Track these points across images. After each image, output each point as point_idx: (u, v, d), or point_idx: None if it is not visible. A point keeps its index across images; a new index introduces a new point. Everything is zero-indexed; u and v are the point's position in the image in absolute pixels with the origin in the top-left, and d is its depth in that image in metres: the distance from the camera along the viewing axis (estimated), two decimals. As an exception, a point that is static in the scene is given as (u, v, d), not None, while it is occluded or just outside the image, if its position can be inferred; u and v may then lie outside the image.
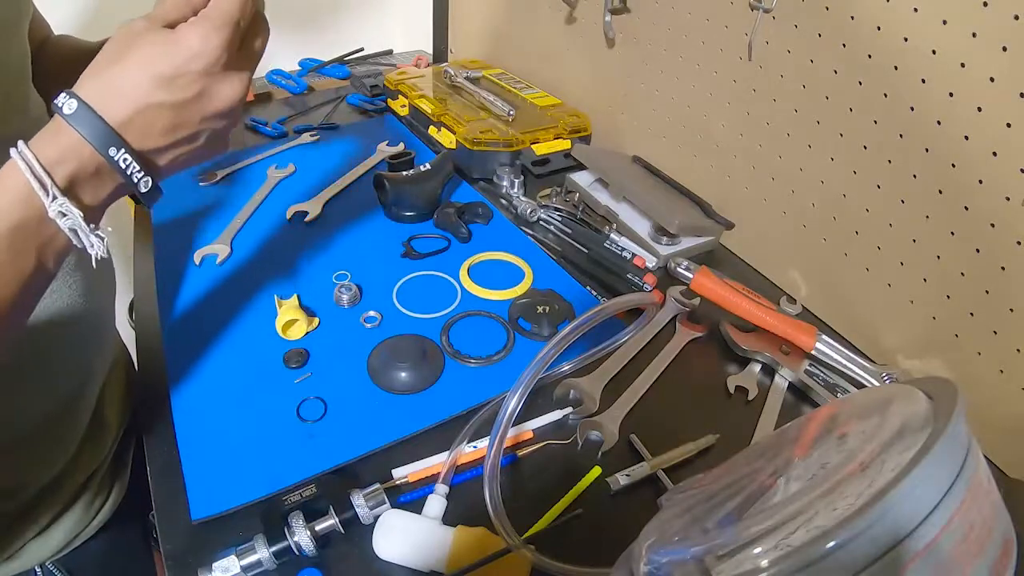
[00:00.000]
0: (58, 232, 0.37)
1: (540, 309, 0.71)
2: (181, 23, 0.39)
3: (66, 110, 0.37)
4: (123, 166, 0.37)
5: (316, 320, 0.69)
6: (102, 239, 0.38)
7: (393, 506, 0.51)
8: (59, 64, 0.68)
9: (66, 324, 0.56)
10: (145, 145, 0.38)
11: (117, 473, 0.66)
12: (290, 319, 0.67)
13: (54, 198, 0.36)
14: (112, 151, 0.37)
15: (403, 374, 0.63)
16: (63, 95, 0.37)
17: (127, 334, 0.76)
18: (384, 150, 1.03)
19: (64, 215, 0.36)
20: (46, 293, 0.47)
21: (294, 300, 0.70)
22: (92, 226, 0.38)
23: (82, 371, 0.59)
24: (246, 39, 0.41)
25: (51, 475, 0.56)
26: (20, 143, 0.36)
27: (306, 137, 1.06)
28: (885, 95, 0.62)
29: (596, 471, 0.56)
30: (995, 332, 0.58)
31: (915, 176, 0.61)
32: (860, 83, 0.64)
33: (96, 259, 0.39)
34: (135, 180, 0.38)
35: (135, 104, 0.37)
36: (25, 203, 0.35)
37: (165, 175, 0.41)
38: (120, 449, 0.67)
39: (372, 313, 0.71)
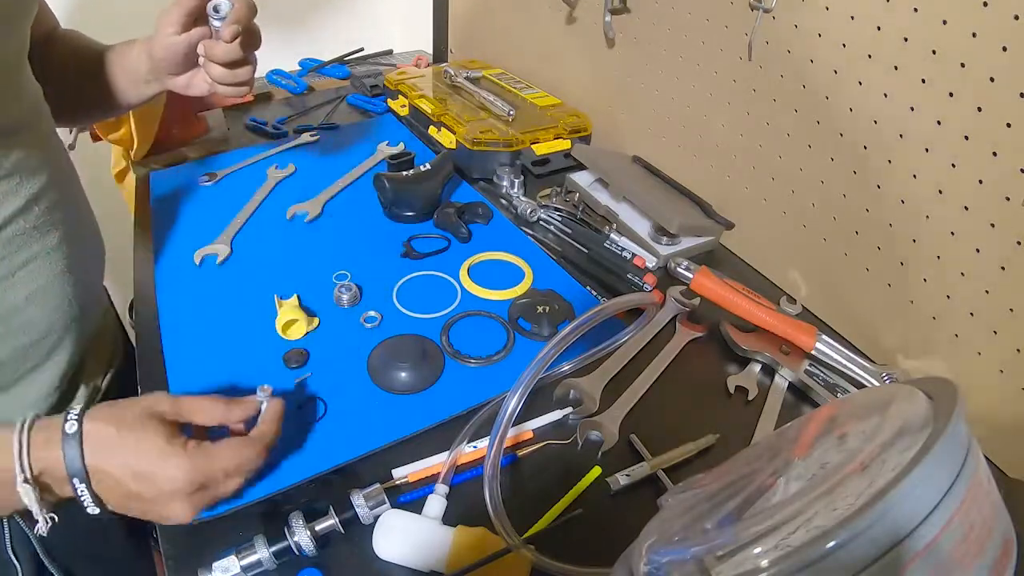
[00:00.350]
0: (17, 499, 0.44)
1: (540, 309, 0.71)
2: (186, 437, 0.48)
3: (67, 428, 0.45)
4: (79, 493, 0.45)
5: (316, 320, 0.69)
6: (47, 523, 0.46)
7: (393, 506, 0.51)
8: (63, 59, 0.69)
9: (45, 305, 0.57)
10: (102, 493, 0.46)
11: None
12: (290, 319, 0.67)
13: (24, 479, 0.44)
14: (76, 481, 0.45)
15: (403, 374, 0.63)
16: (74, 413, 0.46)
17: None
18: (384, 150, 1.03)
19: (26, 494, 0.44)
20: (23, 272, 0.54)
21: (294, 300, 0.70)
22: (45, 510, 0.46)
23: (53, 326, 0.59)
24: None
25: (29, 394, 0.58)
26: (23, 434, 0.45)
27: (306, 137, 1.06)
28: (885, 95, 0.62)
29: (596, 471, 0.56)
30: (995, 332, 0.58)
31: (915, 176, 0.61)
32: (860, 83, 0.64)
33: (43, 531, 0.46)
34: (84, 504, 0.46)
35: (110, 468, 0.45)
36: (5, 472, 0.44)
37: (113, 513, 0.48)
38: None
39: (372, 313, 0.71)
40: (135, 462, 0.46)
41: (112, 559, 0.74)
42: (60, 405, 0.62)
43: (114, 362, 0.72)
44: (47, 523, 0.46)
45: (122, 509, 0.47)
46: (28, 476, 0.44)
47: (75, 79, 0.70)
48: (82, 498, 0.45)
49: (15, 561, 0.62)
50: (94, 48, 0.73)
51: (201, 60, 0.67)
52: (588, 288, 0.77)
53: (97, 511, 0.46)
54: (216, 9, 0.60)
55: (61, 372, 0.61)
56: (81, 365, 0.64)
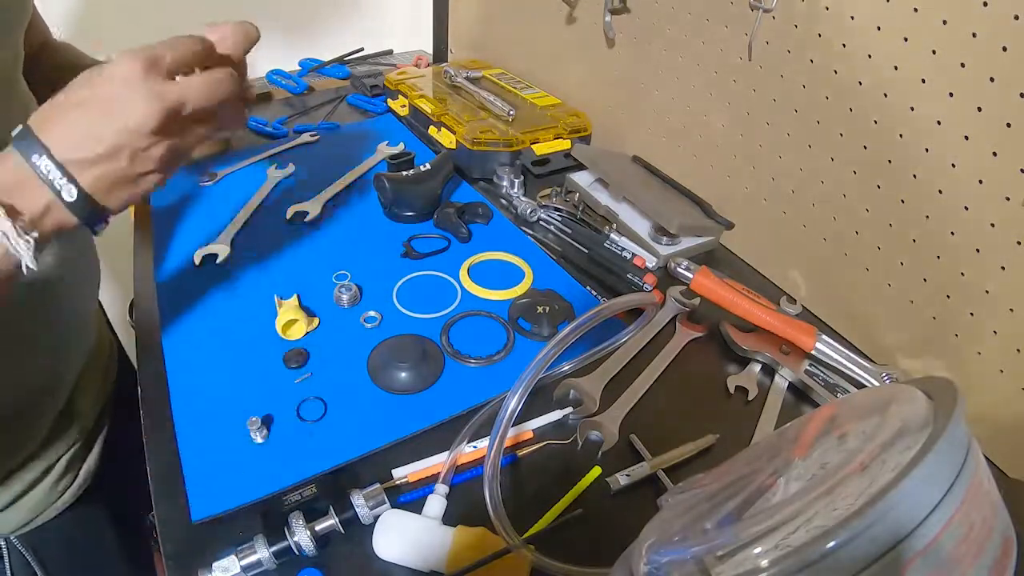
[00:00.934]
0: None
1: (540, 309, 0.71)
2: None
3: (14, 131, 0.40)
4: (44, 171, 0.40)
5: (316, 320, 0.69)
6: (29, 244, 0.40)
7: (393, 506, 0.51)
8: (53, 72, 0.68)
9: (42, 309, 0.57)
10: (66, 154, 0.40)
11: (86, 456, 0.66)
12: (290, 319, 0.67)
13: None
14: (34, 157, 0.40)
15: (403, 374, 0.63)
16: (19, 126, 0.41)
17: (125, 333, 0.77)
18: (384, 150, 1.03)
19: None
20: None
21: (294, 300, 0.70)
22: (24, 235, 0.39)
23: (57, 357, 0.60)
24: (175, 70, 0.44)
25: (19, 458, 0.57)
26: None
27: (306, 137, 1.06)
28: (885, 95, 0.62)
29: (596, 471, 0.56)
30: (995, 332, 0.58)
31: (915, 176, 0.61)
32: (860, 83, 0.64)
33: (25, 266, 0.40)
34: (57, 187, 0.40)
35: (57, 110, 0.41)
36: None
37: (101, 199, 0.43)
38: (91, 434, 0.67)
39: (372, 313, 0.71)
40: (72, 84, 0.41)
41: (110, 570, 0.74)
42: (61, 424, 0.62)
43: (110, 376, 0.72)
44: (29, 245, 0.40)
45: (100, 166, 0.41)
46: None
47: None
48: (49, 175, 0.40)
49: None
50: (88, 62, 0.73)
51: None
52: (588, 288, 0.77)
53: (73, 189, 0.40)
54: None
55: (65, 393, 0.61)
56: (78, 386, 0.64)
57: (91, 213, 0.43)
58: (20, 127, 0.41)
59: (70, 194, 0.41)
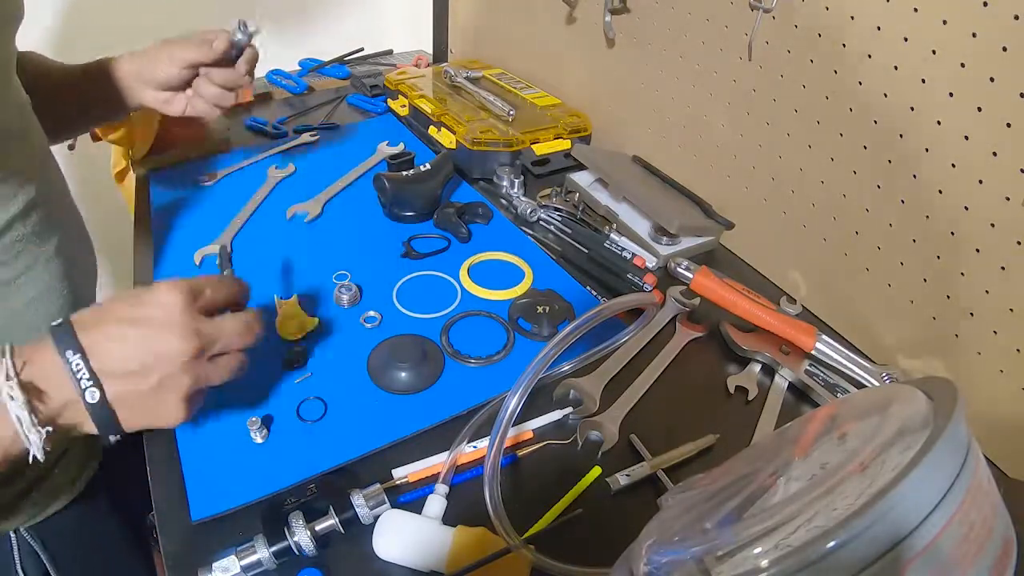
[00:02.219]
0: (5, 420, 0.40)
1: (540, 309, 0.71)
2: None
3: (54, 322, 0.42)
4: (74, 369, 0.41)
5: (316, 320, 0.69)
6: (40, 436, 0.40)
7: (393, 506, 0.51)
8: (33, 80, 0.67)
9: (44, 311, 0.57)
10: (100, 363, 0.42)
11: (92, 450, 0.68)
12: (290, 319, 0.67)
13: (7, 379, 0.39)
14: (69, 353, 0.41)
15: (403, 374, 0.63)
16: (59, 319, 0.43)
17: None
18: (384, 150, 1.03)
19: (12, 399, 0.39)
20: (24, 278, 0.52)
21: (294, 300, 0.70)
22: (37, 426, 0.40)
23: None
24: (212, 307, 0.48)
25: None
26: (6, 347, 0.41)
27: (306, 137, 1.06)
28: (885, 95, 0.62)
29: (596, 471, 0.56)
30: (995, 332, 0.58)
31: (915, 176, 0.61)
32: (860, 83, 0.64)
33: (33, 457, 0.41)
34: (83, 387, 0.41)
35: (99, 318, 0.44)
36: None
37: (119, 413, 0.44)
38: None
39: (372, 313, 0.71)
40: (122, 303, 0.44)
41: (115, 561, 0.74)
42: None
43: None
44: (40, 437, 0.40)
45: (128, 382, 0.43)
46: (12, 372, 0.39)
47: (45, 98, 0.66)
48: (78, 373, 0.41)
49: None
50: (61, 68, 0.74)
51: (199, 79, 0.71)
52: (588, 288, 0.77)
53: (96, 393, 0.42)
54: (246, 25, 0.63)
55: None
56: None
57: (108, 421, 0.44)
58: (61, 320, 0.43)
59: (92, 397, 0.42)
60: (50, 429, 0.41)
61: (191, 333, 0.45)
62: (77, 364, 0.41)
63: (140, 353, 0.43)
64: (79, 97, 0.73)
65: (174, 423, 0.47)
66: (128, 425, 0.45)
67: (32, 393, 0.40)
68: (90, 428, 0.43)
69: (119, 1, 1.21)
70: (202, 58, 0.68)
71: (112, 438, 0.46)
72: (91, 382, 0.42)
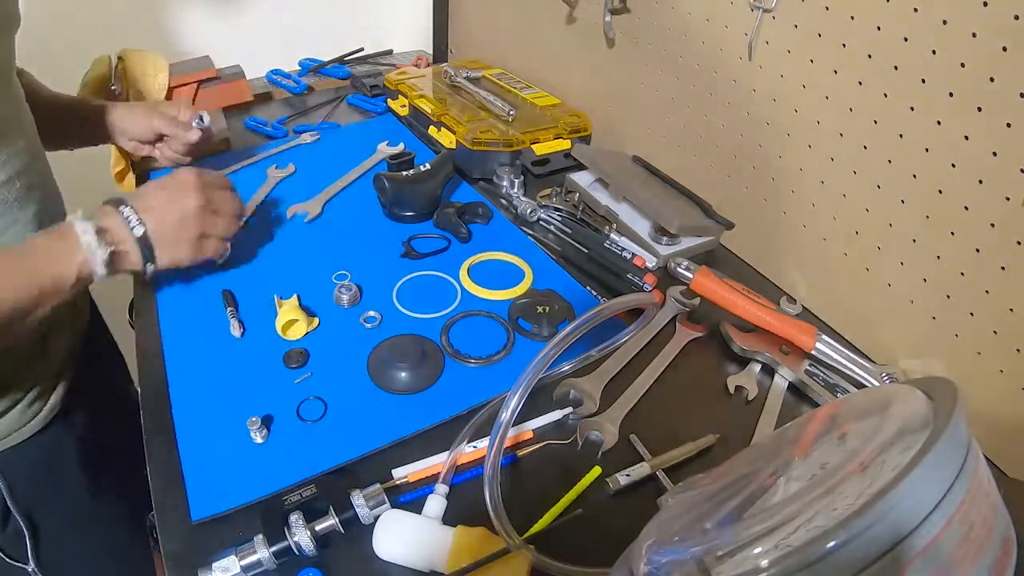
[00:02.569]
0: (80, 251, 0.58)
1: (540, 309, 0.71)
2: None
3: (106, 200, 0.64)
4: (126, 215, 0.62)
5: (316, 320, 0.69)
6: (105, 251, 0.59)
7: (393, 506, 0.51)
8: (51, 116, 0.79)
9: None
10: (142, 211, 0.63)
11: (54, 388, 0.71)
12: (290, 319, 0.67)
13: (83, 219, 0.59)
14: (123, 207, 0.62)
15: (403, 374, 0.63)
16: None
17: (125, 333, 0.77)
18: (384, 150, 1.03)
19: (85, 232, 0.58)
20: (5, 236, 0.63)
21: (294, 300, 0.70)
22: (102, 246, 0.59)
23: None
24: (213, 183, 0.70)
25: None
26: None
27: (306, 137, 1.06)
28: (885, 95, 0.62)
29: (596, 471, 0.56)
30: (995, 332, 0.58)
31: (915, 176, 0.61)
32: (860, 83, 0.64)
33: (96, 275, 0.59)
34: (131, 224, 0.62)
35: (140, 192, 0.66)
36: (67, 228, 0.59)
37: (154, 245, 0.63)
38: (61, 371, 0.72)
39: (372, 313, 0.71)
40: (159, 183, 0.67)
41: (71, 499, 0.76)
42: (34, 362, 0.67)
43: (80, 320, 0.78)
44: (105, 252, 0.58)
45: (159, 215, 0.63)
46: (87, 215, 0.59)
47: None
48: (129, 218, 0.61)
49: None
50: (50, 93, 0.84)
51: (166, 138, 0.90)
52: (588, 288, 0.77)
53: (141, 230, 0.62)
54: (201, 119, 0.89)
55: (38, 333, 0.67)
56: (51, 330, 0.70)
57: (148, 252, 0.63)
58: (115, 197, 0.63)
59: (139, 231, 0.62)
60: (112, 249, 0.59)
61: (201, 194, 0.67)
62: (127, 211, 0.62)
63: (169, 205, 0.65)
64: (59, 124, 0.82)
65: (189, 259, 0.67)
66: (161, 257, 0.64)
67: (99, 231, 0.58)
68: (135, 257, 0.62)
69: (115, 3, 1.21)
70: (170, 132, 0.88)
71: (150, 268, 0.63)
72: (138, 222, 0.62)
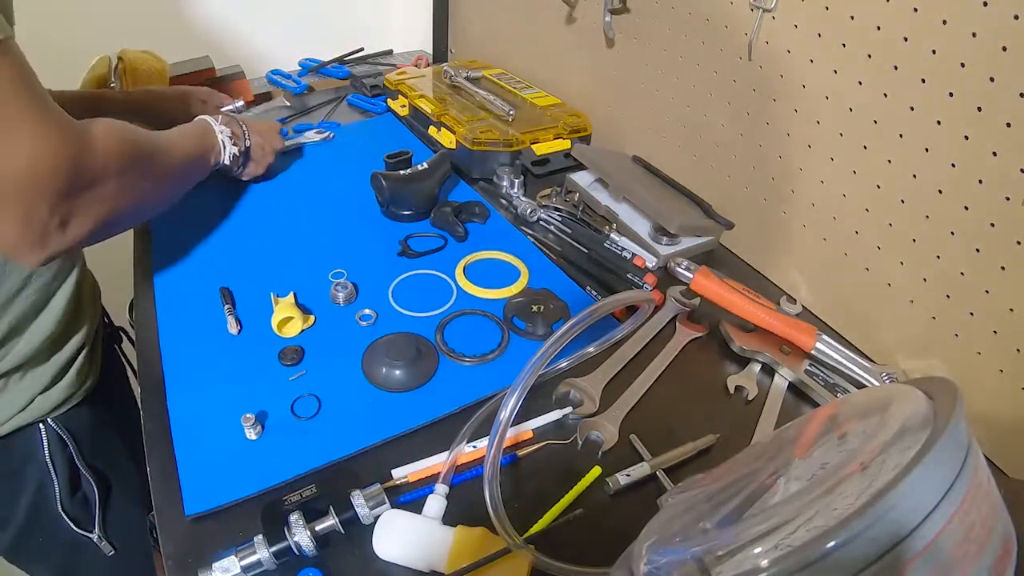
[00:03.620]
0: (216, 142, 0.80)
1: (535, 308, 0.71)
2: None
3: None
4: (245, 129, 0.86)
5: (312, 318, 0.69)
6: (231, 146, 0.82)
7: (393, 506, 0.51)
8: None
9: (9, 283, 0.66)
10: (251, 130, 0.88)
11: (95, 353, 0.75)
12: (286, 316, 0.67)
13: (217, 122, 0.81)
14: (244, 126, 0.86)
15: (397, 372, 0.63)
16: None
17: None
18: (311, 137, 1.06)
19: (221, 131, 0.81)
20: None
21: (290, 298, 0.70)
22: (231, 141, 0.82)
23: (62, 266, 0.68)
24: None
25: (40, 342, 0.65)
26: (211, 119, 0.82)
27: (313, 135, 1.06)
28: (885, 95, 0.62)
29: (596, 471, 0.56)
30: (995, 332, 0.58)
31: (915, 176, 0.61)
32: (860, 83, 0.64)
33: (230, 157, 0.83)
34: (245, 134, 0.86)
35: (251, 121, 0.90)
36: (207, 129, 0.80)
37: (247, 157, 0.88)
38: (95, 336, 0.76)
39: (368, 311, 0.71)
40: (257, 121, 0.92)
41: (125, 466, 0.80)
42: (74, 322, 0.69)
43: (97, 293, 0.79)
44: (231, 145, 0.82)
45: (259, 140, 0.88)
46: (221, 119, 0.82)
47: None
48: (246, 131, 0.86)
49: (51, 467, 0.70)
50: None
51: None
52: (585, 287, 0.77)
53: (250, 141, 0.86)
54: (236, 109, 1.05)
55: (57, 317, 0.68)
56: (81, 294, 0.71)
57: (244, 161, 0.87)
58: (232, 113, 0.93)
59: (248, 142, 0.86)
60: (235, 148, 0.83)
61: (279, 138, 0.94)
62: (245, 128, 0.86)
63: (266, 137, 0.90)
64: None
65: (255, 175, 0.91)
66: (247, 168, 0.89)
67: (231, 134, 0.82)
68: (239, 158, 0.85)
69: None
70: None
71: (238, 172, 0.88)
72: (246, 137, 0.85)
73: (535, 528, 0.51)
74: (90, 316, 0.73)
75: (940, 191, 0.60)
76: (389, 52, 1.46)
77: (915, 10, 0.57)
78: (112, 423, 0.78)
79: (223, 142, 0.79)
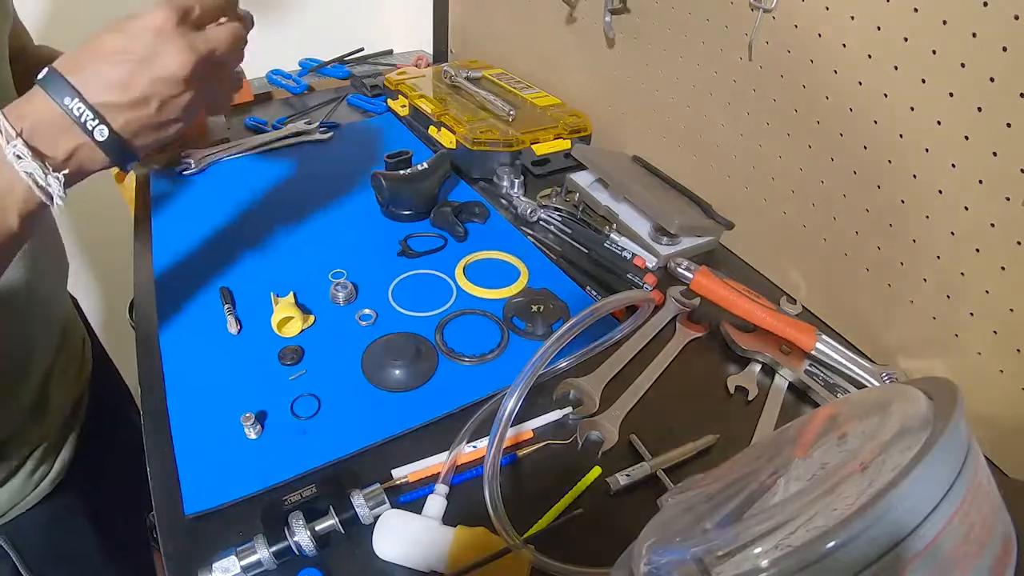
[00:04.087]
0: (16, 179, 0.40)
1: (535, 308, 0.71)
2: None
3: (39, 75, 0.41)
4: (76, 113, 0.41)
5: (312, 318, 0.69)
6: (59, 180, 0.41)
7: (393, 506, 0.51)
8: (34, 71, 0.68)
9: (6, 301, 0.57)
10: (98, 98, 0.42)
11: (60, 448, 0.67)
12: (286, 316, 0.67)
13: (8, 140, 0.39)
14: (67, 100, 0.41)
15: (397, 372, 0.63)
16: (44, 69, 0.42)
17: (126, 333, 0.77)
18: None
19: (20, 157, 0.39)
20: None
21: (290, 298, 0.70)
22: (53, 174, 0.41)
23: (23, 349, 0.60)
24: (203, 21, 0.46)
25: None
26: None
27: (317, 134, 1.06)
28: (885, 95, 0.62)
29: (596, 471, 0.56)
30: (995, 332, 0.58)
31: (915, 176, 0.61)
32: (860, 83, 0.64)
33: (56, 205, 0.42)
34: (89, 128, 0.41)
35: (88, 56, 0.42)
36: None
37: (131, 142, 0.44)
38: (65, 427, 0.67)
39: (367, 311, 0.71)
40: (105, 31, 0.42)
41: (82, 560, 0.74)
42: (35, 416, 0.62)
43: (84, 371, 0.73)
44: (59, 181, 0.41)
45: (132, 112, 0.43)
46: (11, 133, 0.39)
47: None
48: (81, 117, 0.41)
49: None
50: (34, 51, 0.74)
51: None
52: (585, 287, 0.77)
53: (105, 130, 0.42)
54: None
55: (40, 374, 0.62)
56: (50, 380, 0.65)
57: (121, 153, 0.44)
58: (46, 70, 0.42)
59: (102, 134, 0.42)
60: (66, 172, 0.42)
61: (187, 47, 0.43)
62: (78, 107, 0.41)
63: (139, 81, 0.42)
64: None
65: (175, 137, 0.48)
66: (139, 150, 0.46)
67: (39, 145, 0.40)
68: (106, 163, 0.44)
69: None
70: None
71: (131, 167, 0.47)
72: (96, 121, 0.42)
73: (535, 528, 0.51)
74: (56, 407, 0.65)
75: (940, 191, 0.59)
76: (389, 52, 1.46)
77: (915, 10, 0.57)
78: (78, 515, 0.69)
79: (31, 173, 0.40)
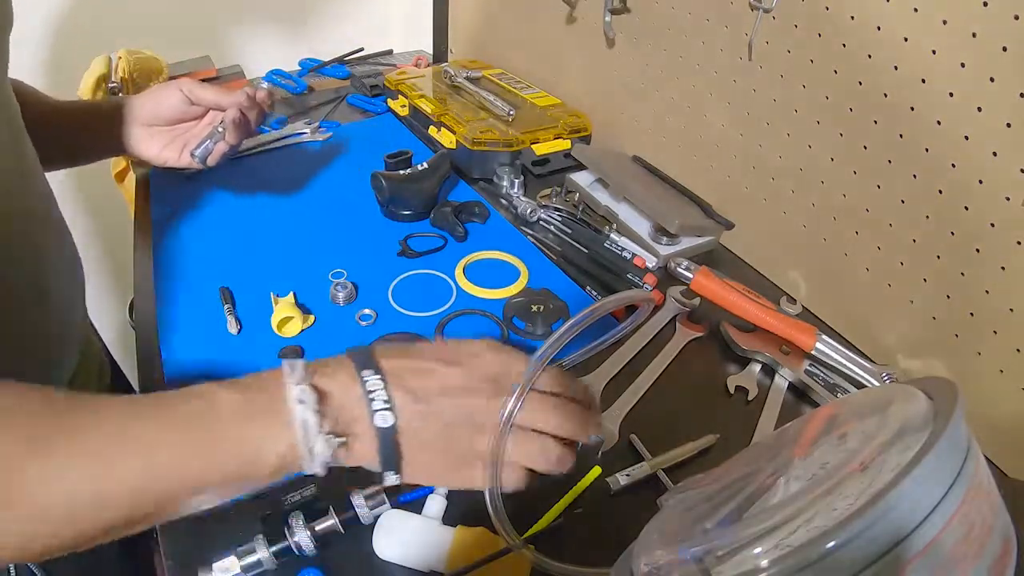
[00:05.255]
0: (291, 424, 0.36)
1: (535, 308, 0.71)
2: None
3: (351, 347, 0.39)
4: (369, 388, 0.37)
5: (312, 318, 0.69)
6: (327, 446, 0.36)
7: (393, 506, 0.51)
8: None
9: (30, 314, 0.57)
10: (398, 390, 0.38)
11: None
12: (286, 316, 0.67)
13: (299, 381, 0.36)
14: (366, 372, 0.38)
15: (402, 374, 0.62)
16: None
17: (124, 333, 0.77)
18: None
19: (302, 402, 0.36)
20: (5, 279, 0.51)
21: (290, 297, 0.70)
22: (324, 434, 0.36)
23: (48, 365, 0.61)
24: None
25: None
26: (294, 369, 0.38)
27: (317, 134, 1.06)
28: (885, 95, 0.62)
29: (596, 471, 0.56)
30: (995, 332, 0.58)
31: (915, 176, 0.61)
32: (860, 83, 0.64)
33: (319, 472, 0.37)
34: (374, 407, 0.37)
35: (411, 350, 0.40)
36: (274, 383, 0.37)
37: (405, 450, 0.39)
38: None
39: (367, 311, 0.71)
40: (446, 350, 0.39)
41: (87, 562, 0.73)
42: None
43: (103, 382, 0.73)
44: (328, 447, 0.36)
45: (420, 408, 0.38)
46: (303, 375, 0.36)
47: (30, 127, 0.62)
48: (372, 392, 0.37)
49: None
50: (53, 102, 0.75)
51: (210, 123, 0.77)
52: (584, 287, 0.77)
53: (388, 416, 0.37)
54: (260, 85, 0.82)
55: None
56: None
57: (391, 456, 0.38)
58: (361, 348, 0.40)
59: (384, 421, 0.37)
60: (342, 440, 0.36)
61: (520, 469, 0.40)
62: (374, 384, 0.37)
63: (447, 393, 0.39)
64: (73, 133, 0.75)
65: (461, 484, 0.41)
66: (408, 471, 0.39)
67: (322, 401, 0.36)
68: (372, 459, 0.38)
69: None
70: (210, 99, 0.75)
71: (391, 478, 0.39)
72: (386, 405, 0.37)
73: (535, 528, 0.51)
74: None
75: (940, 191, 0.59)
76: (389, 52, 1.45)
77: (915, 10, 0.57)
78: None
79: (306, 422, 0.36)
